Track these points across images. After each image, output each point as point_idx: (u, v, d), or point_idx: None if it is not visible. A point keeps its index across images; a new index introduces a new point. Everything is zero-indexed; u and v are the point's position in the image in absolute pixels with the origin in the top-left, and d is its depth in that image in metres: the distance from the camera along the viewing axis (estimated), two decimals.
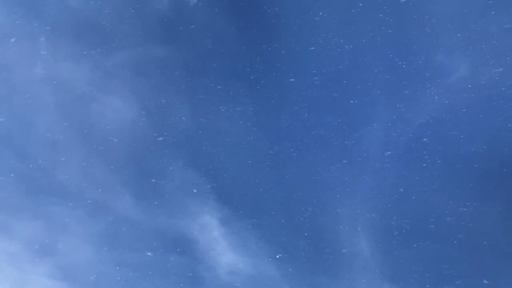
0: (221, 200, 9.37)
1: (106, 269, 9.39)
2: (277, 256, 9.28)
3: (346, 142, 9.11)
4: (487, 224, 8.69)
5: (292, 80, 9.09)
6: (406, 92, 8.94)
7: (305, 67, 9.05)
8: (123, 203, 9.35)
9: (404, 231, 9.02)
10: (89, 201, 9.32)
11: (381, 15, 8.85)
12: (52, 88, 9.12)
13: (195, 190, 9.34)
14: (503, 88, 8.61)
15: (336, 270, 9.17)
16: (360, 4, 8.88)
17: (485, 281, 8.56)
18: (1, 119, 9.12)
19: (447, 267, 8.82)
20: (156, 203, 9.35)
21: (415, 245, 8.96)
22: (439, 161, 8.86)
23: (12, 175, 9.19)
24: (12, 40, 8.96)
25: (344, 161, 9.14)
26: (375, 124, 9.04)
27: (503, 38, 8.54)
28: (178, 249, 9.43)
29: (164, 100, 9.26)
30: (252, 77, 9.18)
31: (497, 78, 8.59)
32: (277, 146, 9.24)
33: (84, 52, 9.06)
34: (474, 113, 8.75)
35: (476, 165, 8.72)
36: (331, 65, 9.01)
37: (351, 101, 9.06)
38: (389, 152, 9.04)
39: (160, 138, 9.23)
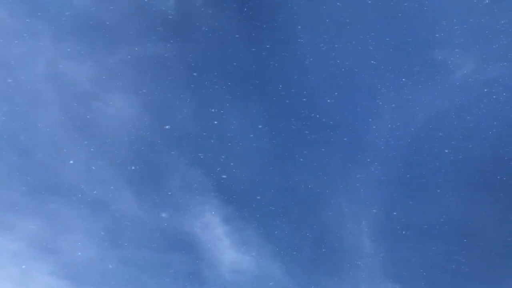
0: (224, 199, 9.37)
1: (109, 267, 9.39)
2: (280, 253, 9.30)
3: (349, 142, 9.12)
4: (493, 224, 8.73)
5: (297, 78, 9.09)
6: (409, 90, 8.96)
7: (311, 67, 9.05)
8: (125, 201, 9.34)
9: (408, 231, 9.05)
10: (92, 199, 9.29)
11: (385, 13, 8.85)
12: (54, 86, 9.09)
13: (197, 189, 9.34)
14: (507, 85, 8.64)
15: (340, 269, 9.20)
16: (368, 2, 8.88)
17: (489, 277, 8.62)
18: (3, 118, 9.08)
19: (452, 267, 8.87)
20: (158, 201, 9.34)
21: (419, 245, 9.00)
22: (443, 159, 8.89)
23: (14, 173, 9.16)
24: (14, 38, 8.91)
25: (348, 161, 9.16)
26: (378, 123, 9.05)
27: (508, 36, 8.55)
28: (181, 247, 9.43)
29: (167, 98, 9.25)
30: (257, 77, 9.16)
31: (501, 75, 8.62)
32: (280, 144, 9.24)
33: (88, 49, 9.02)
34: (478, 110, 8.76)
35: (481, 164, 8.75)
36: (336, 64, 9.01)
37: (356, 101, 9.06)
38: (393, 152, 9.06)
39: (163, 136, 9.21)
